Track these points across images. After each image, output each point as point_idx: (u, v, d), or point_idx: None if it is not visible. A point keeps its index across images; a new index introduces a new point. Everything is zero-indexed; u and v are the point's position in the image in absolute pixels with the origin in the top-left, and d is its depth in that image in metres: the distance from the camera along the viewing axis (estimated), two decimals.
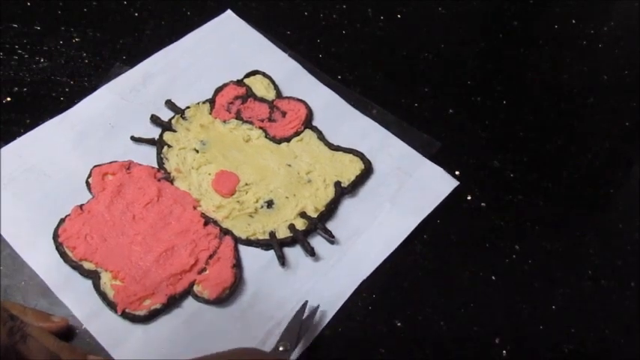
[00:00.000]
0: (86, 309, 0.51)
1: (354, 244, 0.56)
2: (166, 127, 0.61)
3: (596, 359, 0.54)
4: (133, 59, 0.66)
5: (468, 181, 0.62)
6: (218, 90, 0.64)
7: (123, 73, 0.64)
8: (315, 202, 0.57)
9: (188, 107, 0.62)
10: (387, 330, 0.53)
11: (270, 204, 0.57)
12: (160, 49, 0.67)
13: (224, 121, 0.62)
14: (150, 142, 0.60)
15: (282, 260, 0.54)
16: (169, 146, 0.59)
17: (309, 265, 0.55)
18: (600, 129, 0.69)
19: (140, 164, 0.58)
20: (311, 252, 0.55)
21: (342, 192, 0.58)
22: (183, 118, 0.61)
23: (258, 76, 0.65)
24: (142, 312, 0.50)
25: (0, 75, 0.63)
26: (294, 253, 0.56)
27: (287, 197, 0.58)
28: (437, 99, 0.68)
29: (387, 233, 0.57)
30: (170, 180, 0.57)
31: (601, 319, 0.56)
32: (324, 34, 0.71)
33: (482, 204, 0.61)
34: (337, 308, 0.53)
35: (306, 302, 0.51)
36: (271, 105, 0.63)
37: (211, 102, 0.63)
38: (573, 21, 0.78)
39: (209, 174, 0.58)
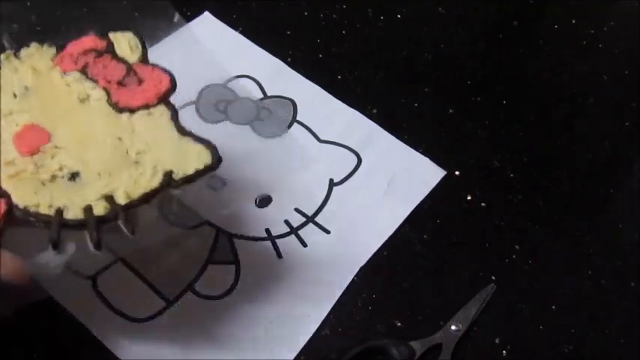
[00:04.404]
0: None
1: (347, 234, 0.57)
2: None
3: (596, 359, 0.54)
4: None
5: (468, 181, 0.62)
6: (74, 39, 0.52)
7: None
8: (131, 187, 0.45)
9: (29, 46, 0.52)
10: (387, 330, 0.53)
11: (74, 176, 0.45)
12: None
13: (64, 72, 0.51)
14: None
15: (56, 243, 0.42)
16: None
17: (304, 255, 0.55)
18: (600, 129, 0.69)
19: None
20: (97, 244, 0.42)
21: (170, 185, 0.46)
22: (16, 57, 0.51)
23: (128, 34, 0.53)
24: None
25: None
26: (289, 244, 0.56)
27: (99, 174, 0.46)
28: (437, 99, 0.68)
29: (379, 223, 0.58)
30: None
31: (601, 319, 0.56)
32: (324, 34, 0.71)
33: (482, 204, 0.61)
34: (336, 298, 0.53)
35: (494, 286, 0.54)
36: (129, 68, 0.51)
37: (60, 47, 0.52)
38: (573, 21, 0.78)
39: (16, 124, 0.47)
